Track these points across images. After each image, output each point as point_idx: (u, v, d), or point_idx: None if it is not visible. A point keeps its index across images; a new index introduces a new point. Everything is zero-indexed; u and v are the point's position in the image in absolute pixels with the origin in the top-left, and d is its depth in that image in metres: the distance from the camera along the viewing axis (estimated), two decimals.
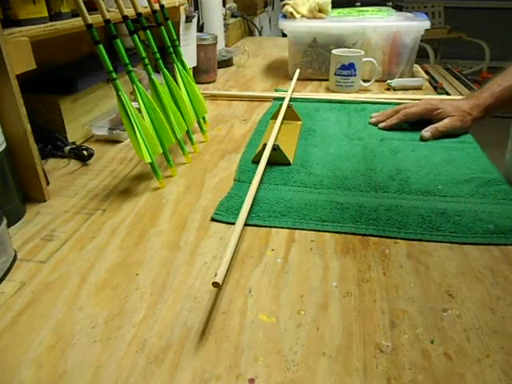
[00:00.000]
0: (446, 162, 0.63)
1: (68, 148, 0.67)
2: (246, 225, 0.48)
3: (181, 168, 0.64)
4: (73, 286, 0.41)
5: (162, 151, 0.59)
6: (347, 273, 0.42)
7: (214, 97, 0.97)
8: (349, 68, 0.95)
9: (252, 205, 0.50)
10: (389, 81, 1.00)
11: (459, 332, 0.35)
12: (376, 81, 1.01)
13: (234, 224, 0.46)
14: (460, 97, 0.82)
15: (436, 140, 0.70)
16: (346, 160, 0.64)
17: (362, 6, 1.33)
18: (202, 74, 1.07)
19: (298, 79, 1.00)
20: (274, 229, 0.49)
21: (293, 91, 0.88)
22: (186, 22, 0.92)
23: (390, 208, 0.51)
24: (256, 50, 1.49)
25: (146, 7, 0.65)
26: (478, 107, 0.70)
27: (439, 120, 0.71)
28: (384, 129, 0.75)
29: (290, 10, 1.06)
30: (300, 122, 0.78)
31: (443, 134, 0.70)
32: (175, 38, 0.68)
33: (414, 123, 0.74)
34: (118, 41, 0.54)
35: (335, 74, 0.97)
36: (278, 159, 0.62)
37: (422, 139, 0.70)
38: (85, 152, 0.66)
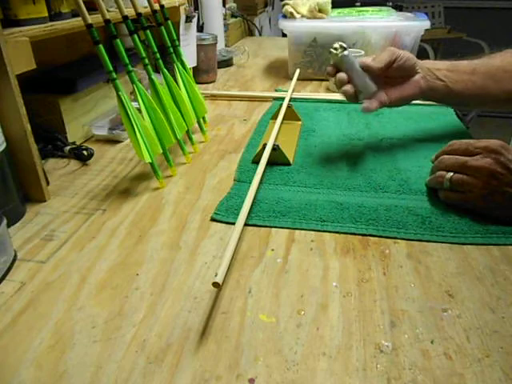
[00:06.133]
0: None
1: (68, 148, 0.67)
2: (246, 225, 0.48)
3: (181, 168, 0.64)
4: (73, 286, 0.41)
5: (161, 151, 0.59)
6: (347, 273, 0.42)
7: (214, 97, 0.97)
8: None
9: (252, 205, 0.50)
10: None
11: (459, 332, 0.35)
12: None
13: (234, 224, 0.45)
14: None
15: (436, 140, 0.70)
16: (346, 160, 0.64)
17: (361, 6, 1.33)
18: (202, 74, 1.07)
19: (298, 79, 1.00)
20: (273, 229, 0.49)
21: (293, 91, 0.88)
22: (186, 22, 0.92)
23: (389, 208, 0.51)
24: (256, 49, 1.49)
25: (146, 7, 0.65)
26: None
27: None
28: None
29: (290, 10, 1.06)
30: (300, 122, 0.78)
31: None
32: (175, 37, 0.68)
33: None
34: (118, 41, 0.54)
35: None
36: (277, 159, 0.62)
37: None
38: (85, 152, 0.66)
